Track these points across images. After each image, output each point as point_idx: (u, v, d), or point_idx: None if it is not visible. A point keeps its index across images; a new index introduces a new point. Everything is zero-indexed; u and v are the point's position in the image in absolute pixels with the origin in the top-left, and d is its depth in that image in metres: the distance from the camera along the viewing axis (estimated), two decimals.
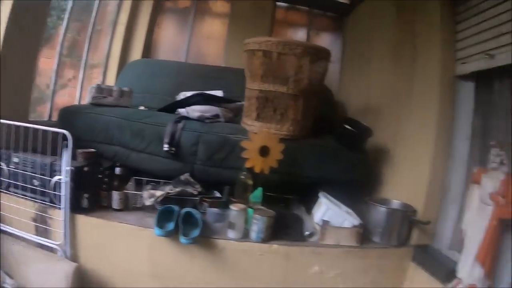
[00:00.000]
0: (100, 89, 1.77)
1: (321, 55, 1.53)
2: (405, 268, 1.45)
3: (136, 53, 2.54)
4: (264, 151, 1.38)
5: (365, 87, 2.30)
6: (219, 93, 1.91)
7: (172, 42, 2.72)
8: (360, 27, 2.62)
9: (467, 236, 1.24)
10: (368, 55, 2.32)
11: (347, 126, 1.56)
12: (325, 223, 1.38)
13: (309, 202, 1.55)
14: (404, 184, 1.61)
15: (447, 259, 1.36)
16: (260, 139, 1.38)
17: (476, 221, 1.19)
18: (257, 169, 1.38)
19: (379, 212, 1.46)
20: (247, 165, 1.38)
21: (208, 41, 2.80)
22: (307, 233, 1.38)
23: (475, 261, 1.13)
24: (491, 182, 1.18)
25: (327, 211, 1.40)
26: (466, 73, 1.46)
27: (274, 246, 1.33)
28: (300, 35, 2.99)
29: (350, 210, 1.48)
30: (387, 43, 1.99)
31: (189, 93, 1.78)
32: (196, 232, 1.29)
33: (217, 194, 1.52)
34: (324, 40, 3.09)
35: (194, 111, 1.60)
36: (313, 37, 3.00)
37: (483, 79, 1.41)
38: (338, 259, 1.37)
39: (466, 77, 1.47)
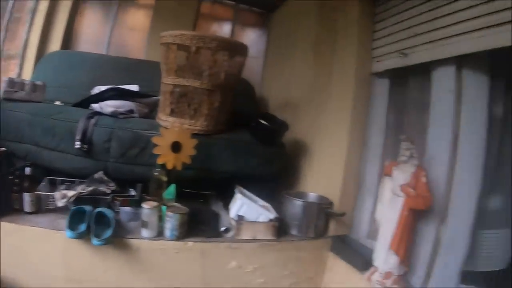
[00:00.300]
0: (12, 83, 1.63)
1: (237, 50, 1.52)
2: (324, 259, 1.50)
3: (55, 43, 2.37)
4: (176, 147, 1.35)
5: (287, 82, 2.31)
6: (134, 87, 1.84)
7: (93, 33, 2.57)
8: (285, 24, 2.63)
9: (381, 226, 1.30)
10: (291, 51, 2.33)
11: (261, 121, 1.57)
12: (240, 218, 1.38)
13: (227, 198, 1.55)
14: (321, 177, 1.65)
15: (364, 248, 1.41)
16: (172, 134, 1.35)
17: (388, 212, 1.25)
18: (169, 165, 1.35)
19: (295, 206, 1.48)
20: (159, 161, 1.35)
21: (131, 33, 2.68)
22: (222, 228, 1.38)
23: (389, 249, 1.19)
24: (401, 175, 1.24)
25: (242, 206, 1.41)
26: (381, 71, 1.52)
27: (190, 243, 1.32)
28: (225, 29, 2.94)
29: (267, 204, 1.50)
30: (309, 40, 2.01)
31: (103, 88, 1.70)
32: (108, 233, 1.24)
33: (133, 192, 1.47)
34: (250, 35, 3.05)
35: (108, 106, 1.54)
36: (238, 32, 2.96)
37: (398, 77, 1.47)
38: (255, 253, 1.38)
39: (382, 74, 1.53)
